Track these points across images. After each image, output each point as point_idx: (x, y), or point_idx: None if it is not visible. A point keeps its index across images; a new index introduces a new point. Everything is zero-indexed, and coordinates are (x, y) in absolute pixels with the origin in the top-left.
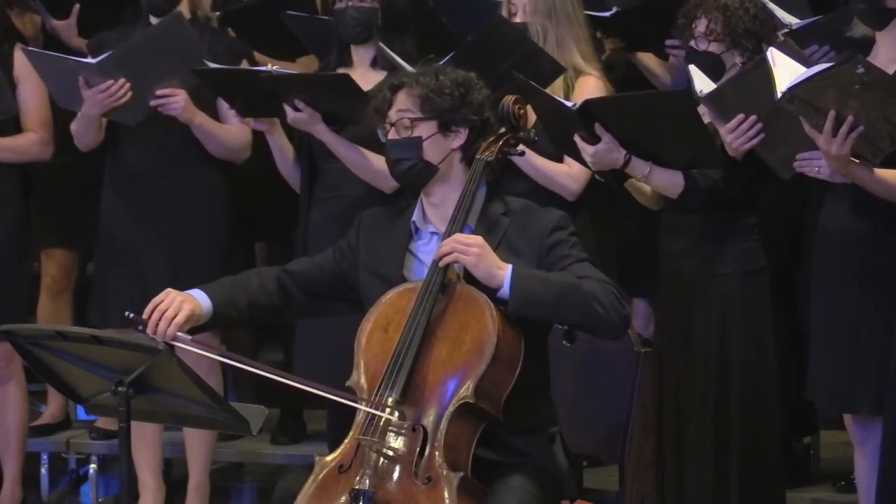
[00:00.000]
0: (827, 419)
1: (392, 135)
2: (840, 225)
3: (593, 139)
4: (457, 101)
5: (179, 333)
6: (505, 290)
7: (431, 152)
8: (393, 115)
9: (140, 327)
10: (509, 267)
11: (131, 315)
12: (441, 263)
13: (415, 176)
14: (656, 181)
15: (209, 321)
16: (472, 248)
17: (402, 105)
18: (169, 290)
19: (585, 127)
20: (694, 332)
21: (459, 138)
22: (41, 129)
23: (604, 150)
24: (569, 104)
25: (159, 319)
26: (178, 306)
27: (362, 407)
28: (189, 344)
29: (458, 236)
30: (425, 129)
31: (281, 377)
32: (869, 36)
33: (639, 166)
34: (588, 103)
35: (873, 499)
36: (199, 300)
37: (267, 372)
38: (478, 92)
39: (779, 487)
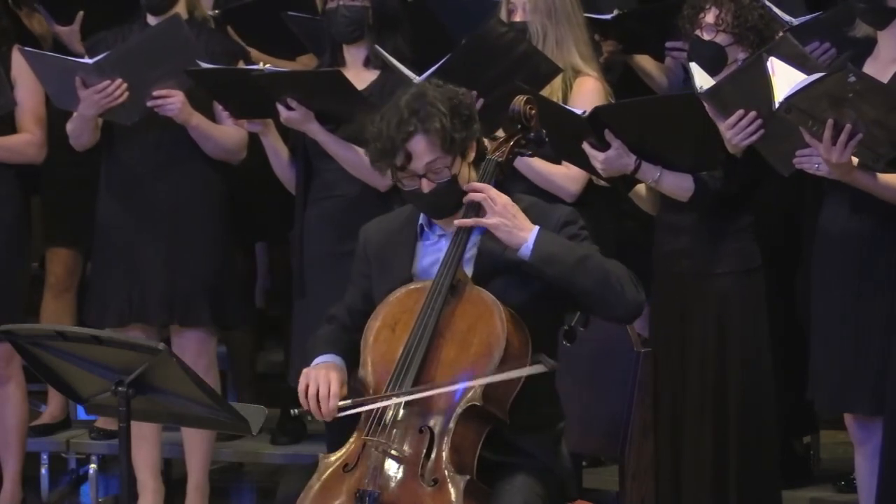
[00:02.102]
0: (827, 419)
1: (426, 186)
2: (840, 225)
3: (603, 146)
4: (464, 125)
5: (341, 403)
6: (527, 248)
7: (462, 180)
8: (421, 167)
9: (310, 417)
10: (535, 229)
11: (296, 411)
12: (461, 223)
13: (452, 207)
14: (666, 185)
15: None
16: (495, 208)
17: (428, 156)
18: (304, 371)
19: (595, 134)
20: (691, 331)
21: (472, 151)
22: (36, 131)
23: (614, 157)
24: (578, 112)
25: (319, 404)
26: (326, 381)
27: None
28: (354, 408)
29: (490, 190)
30: (455, 166)
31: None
32: (871, 36)
33: (649, 171)
34: (597, 110)
35: (873, 499)
36: (335, 363)
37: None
38: (467, 100)
39: (776, 486)
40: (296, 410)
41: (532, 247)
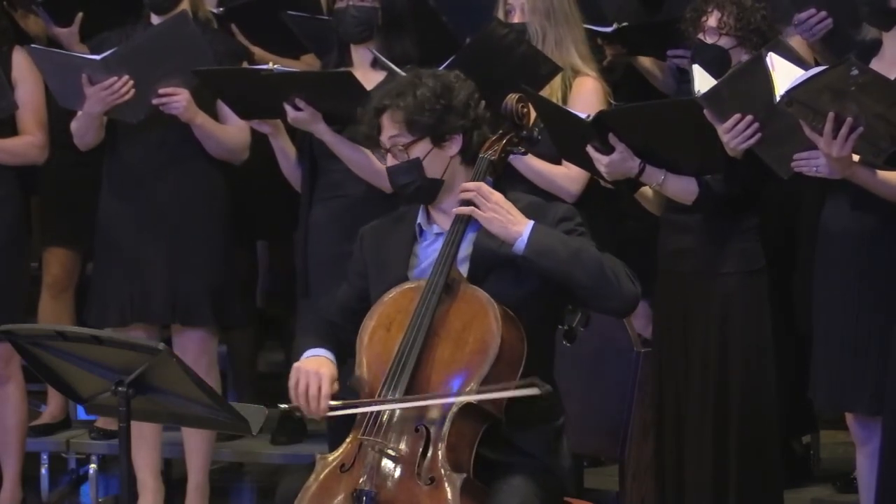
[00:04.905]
0: (827, 419)
1: (390, 160)
2: (842, 224)
3: (607, 149)
4: (441, 113)
5: (332, 402)
6: (521, 242)
7: (433, 168)
8: (385, 141)
9: (298, 414)
10: (530, 223)
11: (286, 406)
12: (459, 211)
13: (424, 194)
14: (670, 188)
15: None
16: (488, 204)
17: (391, 130)
18: (296, 366)
19: (599, 137)
20: (693, 331)
21: (456, 145)
22: (38, 132)
23: (618, 160)
24: (582, 116)
25: (308, 401)
26: (317, 379)
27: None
28: (345, 409)
29: (482, 187)
30: (420, 149)
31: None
32: (878, 38)
33: (653, 174)
34: (602, 114)
35: (874, 499)
36: (327, 358)
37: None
38: (459, 93)
39: (777, 487)
40: (285, 406)
41: (527, 240)
